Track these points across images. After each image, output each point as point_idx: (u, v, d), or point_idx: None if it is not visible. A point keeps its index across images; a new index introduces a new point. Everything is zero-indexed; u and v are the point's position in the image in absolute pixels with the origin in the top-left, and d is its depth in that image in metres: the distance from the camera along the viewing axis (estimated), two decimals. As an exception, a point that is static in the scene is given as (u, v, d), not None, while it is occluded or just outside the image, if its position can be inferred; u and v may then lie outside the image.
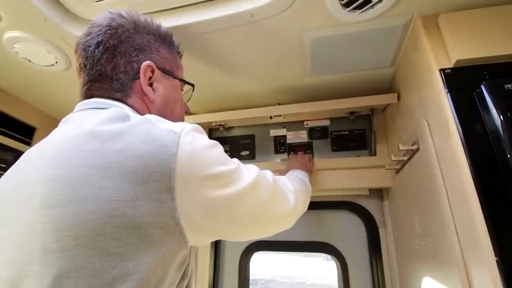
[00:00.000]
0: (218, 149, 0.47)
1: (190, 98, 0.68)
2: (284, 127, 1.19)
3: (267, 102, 1.11)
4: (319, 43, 0.79)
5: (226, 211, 0.44)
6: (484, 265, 0.49)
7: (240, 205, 0.46)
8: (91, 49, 0.52)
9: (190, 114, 1.18)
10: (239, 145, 1.22)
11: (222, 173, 0.43)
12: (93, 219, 0.35)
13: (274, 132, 1.19)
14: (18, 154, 1.08)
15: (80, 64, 0.54)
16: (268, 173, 0.57)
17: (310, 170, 0.98)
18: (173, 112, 0.59)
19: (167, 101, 0.57)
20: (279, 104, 1.09)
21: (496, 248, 0.49)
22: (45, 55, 0.84)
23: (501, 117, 0.53)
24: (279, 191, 0.57)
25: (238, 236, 0.53)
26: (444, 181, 0.63)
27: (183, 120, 0.62)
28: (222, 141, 1.24)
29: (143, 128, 0.41)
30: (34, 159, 0.42)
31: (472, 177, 0.54)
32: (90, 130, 0.40)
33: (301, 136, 1.17)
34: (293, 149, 1.16)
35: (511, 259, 0.47)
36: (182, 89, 0.64)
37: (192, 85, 0.66)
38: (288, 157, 1.15)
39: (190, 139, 0.42)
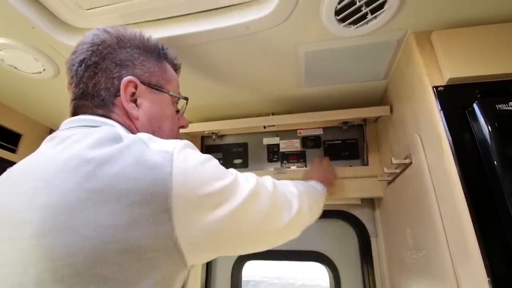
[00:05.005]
0: (212, 163, 0.46)
1: (184, 112, 0.66)
2: (277, 136, 1.19)
3: (260, 111, 1.11)
4: (313, 56, 0.79)
5: (227, 228, 0.43)
6: (476, 285, 0.50)
7: (240, 219, 0.45)
8: (74, 67, 0.52)
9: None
10: (232, 153, 1.21)
11: (219, 189, 0.43)
12: (90, 245, 0.34)
13: (267, 141, 1.19)
14: (1, 161, 1.04)
15: (68, 82, 0.54)
16: (267, 180, 0.55)
17: (330, 183, 0.92)
18: (160, 128, 0.57)
19: (154, 117, 0.55)
20: (272, 114, 1.09)
21: (488, 268, 0.49)
22: (32, 63, 0.81)
23: (492, 137, 0.54)
24: (280, 198, 0.55)
25: (242, 250, 0.51)
26: (437, 197, 0.64)
27: (175, 136, 0.61)
28: (215, 149, 1.23)
29: (136, 150, 0.40)
30: (19, 181, 0.40)
31: (465, 195, 0.55)
32: (81, 153, 0.39)
33: (294, 145, 1.17)
34: (286, 157, 1.16)
35: (502, 280, 0.48)
36: (176, 103, 0.62)
37: (185, 98, 0.64)
38: (315, 161, 1.05)
39: (183, 158, 0.41)
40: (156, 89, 0.56)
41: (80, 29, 0.76)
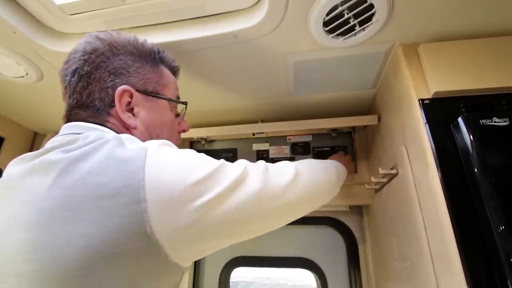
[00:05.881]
0: (191, 155, 0.44)
1: (183, 115, 0.64)
2: (266, 142, 1.18)
3: (250, 118, 1.10)
4: (302, 65, 0.79)
5: (218, 217, 0.40)
6: (458, 299, 0.50)
7: (227, 204, 0.41)
8: (67, 78, 0.50)
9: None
10: (221, 158, 1.20)
11: (201, 178, 0.40)
12: (52, 241, 0.33)
13: (256, 147, 1.18)
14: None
15: (62, 92, 0.52)
16: (259, 162, 0.52)
17: (349, 169, 0.89)
18: (159, 136, 0.55)
19: (152, 126, 0.54)
20: (262, 121, 1.09)
21: (469, 283, 0.50)
22: (14, 67, 0.79)
23: (475, 152, 0.55)
24: (274, 176, 0.50)
25: (234, 238, 0.47)
26: (421, 210, 0.65)
27: (175, 142, 0.59)
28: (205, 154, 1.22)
29: (111, 146, 0.39)
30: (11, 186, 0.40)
31: (448, 209, 0.55)
32: (57, 154, 0.39)
33: (284, 151, 1.16)
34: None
35: (483, 295, 0.49)
36: (175, 107, 0.60)
37: (184, 103, 0.61)
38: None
39: (159, 152, 0.40)
40: (153, 96, 0.54)
41: (65, 34, 0.74)
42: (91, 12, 0.67)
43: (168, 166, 0.39)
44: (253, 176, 0.46)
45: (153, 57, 0.57)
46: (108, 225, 0.34)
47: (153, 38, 0.70)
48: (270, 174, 0.49)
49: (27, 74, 0.82)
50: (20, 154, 0.44)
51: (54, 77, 0.83)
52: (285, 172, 0.53)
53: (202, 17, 0.69)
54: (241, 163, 0.48)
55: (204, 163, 0.43)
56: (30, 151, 0.45)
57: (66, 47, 0.73)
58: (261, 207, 0.46)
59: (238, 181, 0.44)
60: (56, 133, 0.49)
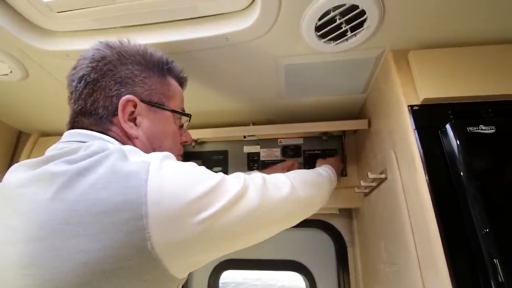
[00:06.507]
0: (193, 169, 0.44)
1: (186, 127, 0.64)
2: (258, 144, 1.18)
3: (241, 120, 1.09)
4: (294, 69, 0.79)
5: (219, 231, 0.41)
6: (444, 304, 0.51)
7: (227, 220, 0.42)
8: (74, 83, 0.51)
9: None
10: (211, 160, 1.19)
11: (204, 192, 0.40)
12: (52, 256, 0.33)
13: (247, 149, 1.18)
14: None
15: (68, 97, 0.53)
16: (256, 175, 0.53)
17: (338, 172, 0.92)
18: (161, 147, 0.55)
19: (154, 136, 0.54)
20: (253, 123, 1.08)
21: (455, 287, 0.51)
22: (-2, 64, 0.77)
23: (462, 159, 0.56)
24: (270, 190, 0.51)
25: (240, 246, 0.48)
26: (409, 215, 0.65)
27: (177, 153, 0.59)
28: (195, 156, 1.21)
29: (113, 160, 0.39)
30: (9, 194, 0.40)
31: (435, 214, 0.56)
32: (60, 165, 0.39)
33: (275, 154, 1.16)
34: (266, 166, 1.15)
35: (469, 301, 0.49)
36: (179, 118, 0.60)
37: (188, 115, 0.62)
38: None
39: (161, 166, 0.40)
40: (157, 107, 0.55)
41: (52, 32, 0.73)
42: (80, 10, 0.66)
43: (171, 179, 0.39)
44: (253, 190, 0.47)
45: (161, 68, 0.57)
46: (109, 241, 0.34)
47: (144, 39, 0.70)
48: (267, 189, 0.51)
49: (11, 72, 0.80)
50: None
51: (39, 75, 0.82)
52: (281, 186, 0.54)
53: (194, 18, 0.68)
54: (240, 177, 0.48)
55: (206, 177, 0.44)
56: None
57: (53, 45, 0.72)
58: (259, 220, 0.48)
59: (239, 195, 0.45)
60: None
